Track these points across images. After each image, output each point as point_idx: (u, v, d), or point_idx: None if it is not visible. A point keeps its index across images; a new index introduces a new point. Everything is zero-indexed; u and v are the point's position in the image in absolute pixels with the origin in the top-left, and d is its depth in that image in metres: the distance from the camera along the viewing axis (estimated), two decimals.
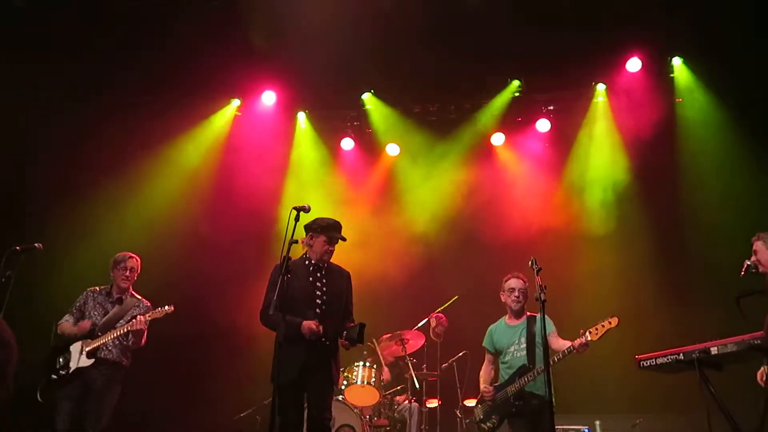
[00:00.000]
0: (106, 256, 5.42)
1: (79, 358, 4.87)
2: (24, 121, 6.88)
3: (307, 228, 4.40)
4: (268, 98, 8.30)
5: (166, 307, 5.02)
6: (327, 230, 4.37)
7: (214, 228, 7.86)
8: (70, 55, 6.90)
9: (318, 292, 4.35)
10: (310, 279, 4.38)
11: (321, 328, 4.11)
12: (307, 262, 4.45)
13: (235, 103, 8.37)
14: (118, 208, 7.48)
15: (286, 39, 7.23)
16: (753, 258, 4.26)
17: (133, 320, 4.91)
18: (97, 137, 7.43)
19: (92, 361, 4.86)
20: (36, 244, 4.79)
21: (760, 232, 4.43)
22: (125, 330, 4.93)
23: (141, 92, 7.62)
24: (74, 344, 4.96)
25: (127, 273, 5.19)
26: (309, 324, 4.09)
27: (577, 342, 4.57)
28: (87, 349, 4.89)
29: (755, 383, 4.20)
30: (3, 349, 1.42)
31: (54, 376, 4.84)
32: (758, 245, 4.28)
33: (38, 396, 4.79)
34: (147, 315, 5.00)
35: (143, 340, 5.12)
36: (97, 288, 5.28)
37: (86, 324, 4.98)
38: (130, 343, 5.07)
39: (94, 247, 6.86)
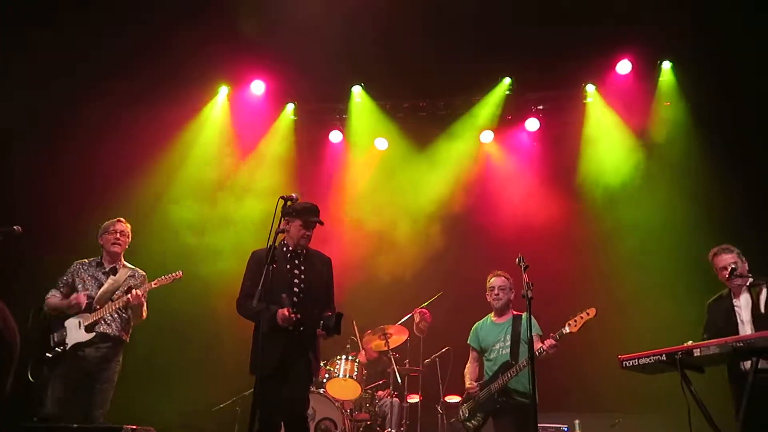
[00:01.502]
0: (85, 241, 5.30)
1: (76, 333, 4.58)
2: None
3: (284, 213, 4.16)
4: (257, 88, 8.24)
5: (175, 273, 4.83)
6: (303, 214, 4.18)
7: (193, 216, 7.77)
8: (42, 37, 6.69)
9: (296, 280, 4.17)
10: (288, 266, 4.19)
11: (295, 315, 3.92)
12: (285, 249, 4.24)
13: (224, 90, 8.28)
14: (97, 199, 7.33)
15: (277, 30, 7.17)
16: (726, 272, 4.39)
17: (131, 294, 4.64)
18: (75, 124, 7.28)
19: (92, 335, 4.57)
20: (15, 227, 4.62)
21: (733, 234, 4.56)
22: (123, 303, 4.67)
23: (121, 77, 7.44)
24: (69, 320, 4.64)
25: (117, 236, 4.90)
26: (282, 311, 3.91)
27: (547, 343, 4.62)
28: (85, 323, 4.61)
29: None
30: (3, 350, 1.18)
31: (48, 354, 4.51)
32: (734, 257, 4.43)
33: (29, 375, 4.47)
34: (153, 282, 4.78)
35: (144, 314, 4.87)
36: (86, 260, 4.96)
37: (81, 298, 4.66)
38: (130, 317, 4.81)
39: (74, 231, 6.73)
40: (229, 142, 8.25)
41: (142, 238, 6.00)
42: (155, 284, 4.80)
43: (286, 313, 3.89)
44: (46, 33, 6.73)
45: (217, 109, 8.28)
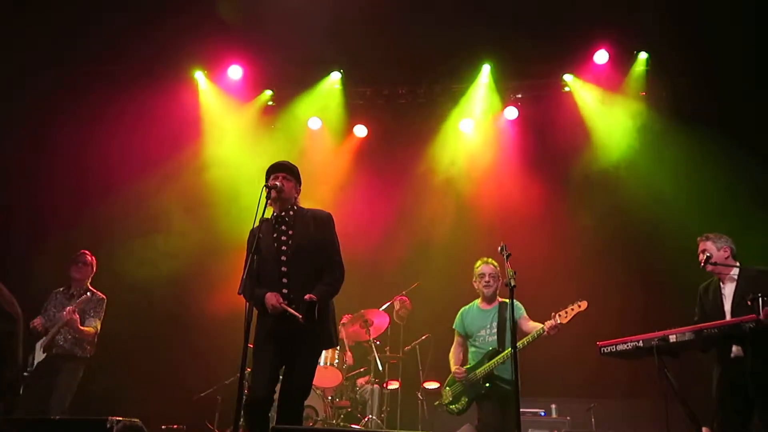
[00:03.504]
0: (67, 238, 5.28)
1: (39, 353, 5.30)
2: None
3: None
4: (235, 72, 8.12)
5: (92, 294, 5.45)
6: (267, 174, 4.00)
7: (179, 208, 7.66)
8: (15, 23, 6.51)
9: (283, 247, 3.84)
10: (275, 235, 3.89)
11: (283, 302, 3.62)
12: (272, 216, 3.97)
13: (200, 75, 8.15)
14: (82, 194, 7.21)
15: (257, 15, 7.07)
16: (702, 256, 4.48)
17: (64, 312, 5.18)
18: (55, 113, 7.11)
19: (45, 355, 5.25)
20: None
21: (711, 227, 4.65)
22: (59, 326, 5.20)
23: (101, 62, 7.28)
24: (37, 343, 5.34)
25: (79, 265, 5.51)
26: (269, 299, 3.63)
27: (548, 324, 4.68)
28: (43, 345, 5.28)
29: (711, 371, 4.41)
30: (5, 322, 1.15)
31: (25, 373, 5.24)
32: (707, 245, 4.50)
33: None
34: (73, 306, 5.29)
35: (82, 331, 5.26)
36: (61, 289, 5.58)
37: (37, 323, 5.30)
38: (76, 335, 5.30)
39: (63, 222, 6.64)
40: (208, 127, 8.14)
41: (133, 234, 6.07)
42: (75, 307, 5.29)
43: (275, 303, 3.65)
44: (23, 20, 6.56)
45: (203, 93, 8.17)
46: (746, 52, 6.63)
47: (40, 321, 5.33)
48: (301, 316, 3.62)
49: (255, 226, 3.71)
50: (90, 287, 5.56)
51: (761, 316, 3.83)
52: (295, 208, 4.02)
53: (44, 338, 5.27)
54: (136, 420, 3.11)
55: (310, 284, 3.75)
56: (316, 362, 4.00)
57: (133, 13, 6.87)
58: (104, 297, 5.53)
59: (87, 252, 5.63)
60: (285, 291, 3.76)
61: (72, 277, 5.53)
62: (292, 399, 3.73)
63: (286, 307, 3.67)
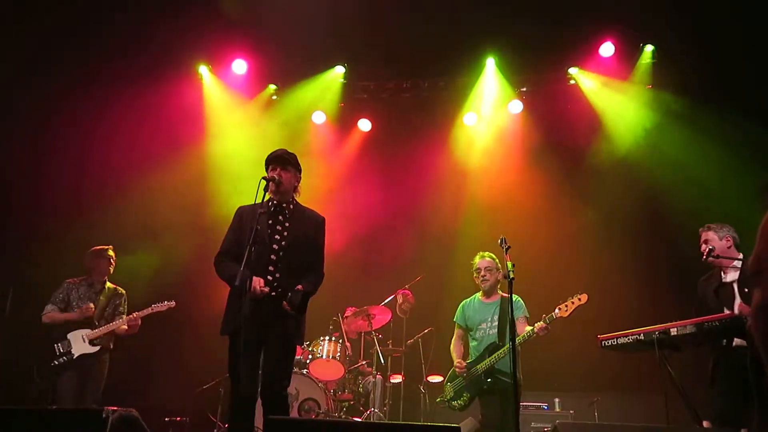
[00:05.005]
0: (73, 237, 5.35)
1: (81, 345, 5.36)
2: None
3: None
4: (239, 67, 8.12)
5: (167, 302, 5.67)
6: (266, 164, 4.03)
7: (183, 203, 7.68)
8: (19, 22, 6.55)
9: (277, 236, 3.88)
10: (270, 221, 3.92)
11: (262, 290, 3.64)
12: (270, 203, 3.99)
13: (205, 70, 8.16)
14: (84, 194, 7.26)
15: (260, 10, 7.07)
16: (704, 247, 4.43)
17: (132, 317, 5.53)
18: (59, 110, 7.16)
19: (97, 348, 5.38)
20: None
21: (712, 221, 4.60)
22: (125, 325, 5.52)
23: (105, 58, 7.30)
24: (72, 333, 5.36)
25: (111, 261, 5.65)
26: (254, 284, 3.62)
27: (537, 326, 4.68)
28: (90, 338, 5.38)
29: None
30: None
31: (56, 362, 5.28)
32: (709, 235, 4.45)
33: (35, 376, 5.22)
34: (151, 308, 5.62)
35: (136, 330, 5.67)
36: (76, 279, 5.59)
37: (91, 309, 5.42)
38: (124, 331, 5.58)
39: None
40: (213, 121, 8.15)
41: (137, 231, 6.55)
42: (153, 309, 5.62)
43: (257, 288, 3.64)
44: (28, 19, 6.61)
45: (207, 88, 8.18)
46: (751, 43, 6.54)
47: (91, 306, 5.43)
48: (292, 309, 3.70)
49: (246, 205, 3.77)
50: (108, 282, 5.72)
51: (736, 311, 3.84)
52: (295, 202, 4.09)
53: (88, 330, 5.37)
54: (131, 410, 3.12)
55: (295, 278, 3.83)
56: (295, 350, 3.99)
57: (137, 10, 6.89)
58: (124, 292, 5.81)
59: (111, 246, 5.75)
60: (270, 278, 3.79)
61: (98, 271, 5.62)
62: (278, 389, 3.76)
63: (284, 305, 3.71)
